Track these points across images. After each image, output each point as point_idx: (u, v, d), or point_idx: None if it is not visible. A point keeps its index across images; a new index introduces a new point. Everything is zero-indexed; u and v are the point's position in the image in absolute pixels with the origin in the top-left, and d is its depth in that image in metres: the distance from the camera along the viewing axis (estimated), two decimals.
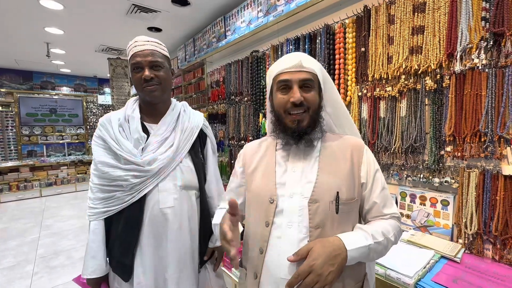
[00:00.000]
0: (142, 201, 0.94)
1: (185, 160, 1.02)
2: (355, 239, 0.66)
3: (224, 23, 2.66)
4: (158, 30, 3.33)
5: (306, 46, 1.81)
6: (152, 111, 1.04)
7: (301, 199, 0.71)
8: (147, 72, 0.94)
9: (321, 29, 1.72)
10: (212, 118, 2.96)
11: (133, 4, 2.64)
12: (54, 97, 6.06)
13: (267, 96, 0.84)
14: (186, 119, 1.07)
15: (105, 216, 0.96)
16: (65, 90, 6.31)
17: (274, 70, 0.78)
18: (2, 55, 4.63)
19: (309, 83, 0.74)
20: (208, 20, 2.97)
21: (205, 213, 1.08)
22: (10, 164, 5.23)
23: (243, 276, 0.81)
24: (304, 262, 0.61)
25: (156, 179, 0.96)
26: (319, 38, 1.73)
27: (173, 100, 1.11)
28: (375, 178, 0.75)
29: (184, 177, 1.00)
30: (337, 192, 0.69)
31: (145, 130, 1.00)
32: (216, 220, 0.82)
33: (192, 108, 1.19)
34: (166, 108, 1.06)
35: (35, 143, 5.81)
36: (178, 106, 1.10)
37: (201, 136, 1.12)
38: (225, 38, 2.67)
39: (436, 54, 1.22)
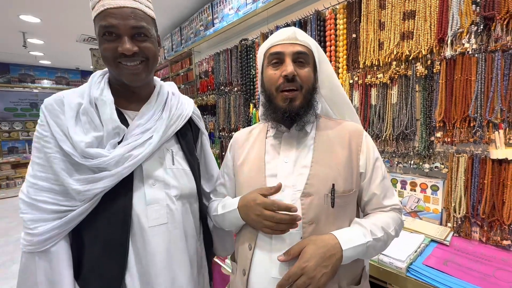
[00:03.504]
0: (126, 216, 0.67)
1: (178, 162, 0.77)
2: (351, 237, 0.62)
3: (211, 10, 2.57)
4: None
5: None
6: (129, 94, 0.75)
7: (293, 192, 0.66)
8: (127, 45, 0.64)
9: (311, 16, 1.68)
10: (202, 110, 2.89)
11: None
12: (34, 90, 5.78)
13: (258, 76, 0.79)
14: (175, 103, 0.81)
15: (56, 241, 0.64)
16: (45, 83, 6.02)
17: (265, 44, 0.73)
18: None
19: (304, 57, 0.68)
20: (194, 7, 2.86)
21: (207, 226, 0.88)
22: None
23: (234, 270, 0.78)
24: (296, 264, 0.58)
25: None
26: (310, 24, 1.69)
27: (157, 79, 0.84)
28: (375, 167, 0.71)
29: (179, 183, 0.75)
30: (333, 184, 0.65)
31: (121, 119, 0.71)
32: (220, 210, 0.76)
33: None
34: (149, 91, 0.78)
35: (15, 139, 5.55)
36: (165, 88, 0.82)
37: (193, 130, 0.88)
38: (213, 26, 2.59)
39: (427, 39, 1.22)
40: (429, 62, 1.24)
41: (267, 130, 0.79)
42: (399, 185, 1.40)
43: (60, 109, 0.67)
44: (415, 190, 1.35)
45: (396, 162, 1.42)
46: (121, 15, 0.64)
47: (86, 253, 0.67)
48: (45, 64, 5.83)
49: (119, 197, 0.67)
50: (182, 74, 3.29)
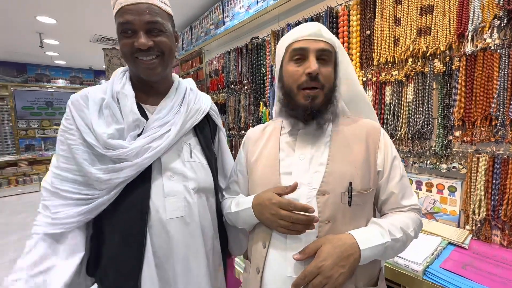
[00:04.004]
0: (143, 208, 0.68)
1: (195, 155, 0.79)
2: (369, 237, 0.60)
3: (222, 8, 2.57)
4: None
5: None
6: (148, 89, 0.77)
7: (309, 190, 0.64)
8: (143, 39, 0.67)
9: (323, 13, 1.65)
10: None
11: None
12: (49, 90, 5.96)
13: (277, 70, 0.76)
14: (193, 98, 0.82)
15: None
16: (60, 82, 6.19)
17: (287, 38, 0.70)
18: None
19: (327, 56, 0.67)
20: (205, 6, 2.87)
21: (223, 224, 0.87)
22: (8, 158, 5.19)
23: (247, 269, 0.77)
24: (312, 263, 0.56)
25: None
26: (322, 22, 1.66)
27: (175, 76, 0.86)
28: (393, 165, 0.69)
29: (197, 176, 0.76)
30: (350, 183, 0.63)
31: (141, 113, 0.73)
32: (233, 208, 0.76)
33: None
34: (167, 86, 0.80)
35: (32, 137, 5.74)
36: (183, 84, 0.84)
37: (211, 125, 0.90)
38: (223, 24, 2.59)
39: (446, 35, 1.17)
40: (447, 58, 1.19)
41: (282, 127, 0.78)
42: (414, 186, 1.36)
43: (85, 103, 0.70)
44: (431, 191, 1.30)
45: (411, 162, 1.38)
46: (137, 11, 0.66)
47: (106, 244, 0.70)
48: (60, 64, 6.00)
49: (137, 189, 0.69)
50: (192, 73, 3.31)
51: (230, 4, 2.46)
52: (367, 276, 0.66)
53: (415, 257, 0.99)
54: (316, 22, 0.71)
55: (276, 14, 2.04)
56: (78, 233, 0.68)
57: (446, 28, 1.17)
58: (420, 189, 1.34)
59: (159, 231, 0.69)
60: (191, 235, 0.73)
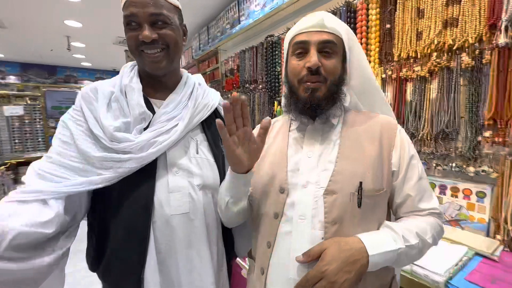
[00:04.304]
0: (148, 202, 0.67)
1: (202, 151, 0.77)
2: (380, 242, 0.55)
3: (238, 7, 2.57)
4: None
5: None
6: (156, 83, 0.76)
7: (316, 189, 0.61)
8: (146, 32, 0.66)
9: (341, 8, 1.59)
10: None
11: None
12: (76, 90, 6.31)
13: (283, 66, 0.74)
14: (201, 93, 0.81)
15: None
16: (86, 83, 6.55)
17: (291, 31, 0.68)
18: (28, 50, 4.85)
19: (331, 47, 0.62)
20: (222, 6, 2.89)
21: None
22: (39, 154, 5.55)
23: (251, 268, 0.74)
24: (315, 266, 0.53)
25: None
26: (339, 17, 1.60)
27: (184, 71, 0.85)
28: (410, 165, 0.63)
29: (202, 172, 0.75)
30: (360, 182, 0.59)
31: (148, 107, 0.72)
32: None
33: None
34: (175, 81, 0.79)
35: None
36: (191, 80, 0.83)
37: None
38: (239, 23, 2.59)
39: (475, 26, 1.07)
40: (476, 52, 1.09)
41: (290, 124, 0.74)
42: (437, 190, 1.26)
43: (94, 96, 0.70)
44: (456, 196, 1.20)
45: (434, 164, 1.28)
46: (141, 3, 0.66)
47: (109, 239, 0.69)
48: (86, 66, 6.34)
49: (142, 183, 0.68)
50: (208, 73, 3.34)
51: (246, 3, 2.46)
52: (378, 283, 0.61)
53: (436, 267, 0.91)
54: (322, 12, 0.67)
55: (292, 11, 2.00)
56: (55, 208, 0.58)
57: (476, 19, 1.07)
58: (444, 194, 1.24)
59: (162, 227, 0.68)
60: (195, 232, 0.72)
